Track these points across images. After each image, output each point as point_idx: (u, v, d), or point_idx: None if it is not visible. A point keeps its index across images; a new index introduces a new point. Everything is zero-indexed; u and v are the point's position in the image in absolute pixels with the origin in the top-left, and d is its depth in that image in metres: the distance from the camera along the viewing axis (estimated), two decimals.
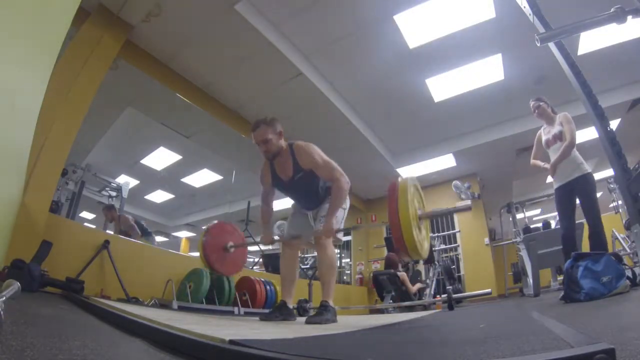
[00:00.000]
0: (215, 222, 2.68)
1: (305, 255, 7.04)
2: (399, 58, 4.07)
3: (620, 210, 4.65)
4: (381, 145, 5.82)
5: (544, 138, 2.95)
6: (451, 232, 6.74)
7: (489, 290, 4.05)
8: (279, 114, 4.67)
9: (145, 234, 4.77)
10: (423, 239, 1.76)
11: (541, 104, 2.92)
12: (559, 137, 2.80)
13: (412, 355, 0.80)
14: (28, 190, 2.19)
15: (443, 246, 6.34)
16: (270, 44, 3.53)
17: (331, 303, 1.97)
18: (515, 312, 2.14)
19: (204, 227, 2.58)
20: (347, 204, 2.33)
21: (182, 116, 4.79)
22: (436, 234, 6.43)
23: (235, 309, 2.99)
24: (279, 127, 2.15)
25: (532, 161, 3.07)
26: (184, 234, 10.77)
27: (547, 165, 2.88)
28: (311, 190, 2.20)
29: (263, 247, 5.26)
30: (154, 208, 8.84)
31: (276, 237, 2.55)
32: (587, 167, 2.71)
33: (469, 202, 1.61)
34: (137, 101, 4.63)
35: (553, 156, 2.85)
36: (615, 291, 1.85)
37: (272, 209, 2.42)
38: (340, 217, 2.23)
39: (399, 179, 1.71)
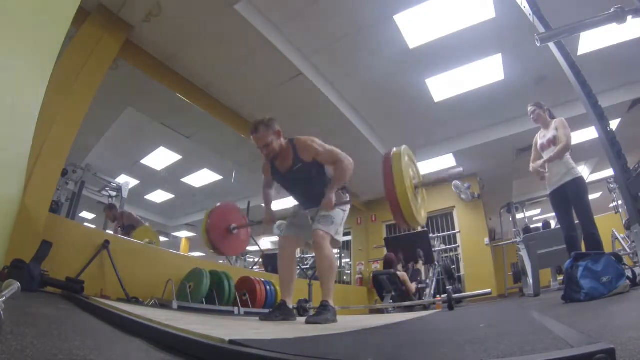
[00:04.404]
0: (218, 204, 2.72)
1: (305, 256, 7.04)
2: (399, 58, 4.07)
3: (620, 210, 4.65)
4: (381, 145, 5.82)
5: (539, 142, 3.02)
6: (451, 232, 6.74)
7: (489, 290, 4.05)
8: (278, 114, 4.67)
9: None
10: (420, 207, 1.77)
11: (537, 109, 2.99)
12: (553, 141, 2.86)
13: (412, 356, 0.80)
14: (28, 190, 2.19)
15: (443, 246, 6.35)
16: (270, 44, 3.53)
17: (331, 303, 1.96)
18: (515, 312, 2.14)
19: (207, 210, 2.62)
20: (347, 206, 2.33)
21: (182, 116, 4.79)
22: (436, 235, 6.43)
23: (235, 309, 2.99)
24: (277, 127, 2.17)
25: (531, 165, 3.04)
26: (184, 234, 10.77)
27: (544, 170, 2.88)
28: (309, 182, 2.21)
29: (263, 247, 5.26)
30: (154, 208, 8.83)
31: (278, 223, 2.60)
32: (578, 172, 2.75)
33: (460, 168, 1.69)
34: (137, 101, 4.63)
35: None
36: (615, 291, 1.85)
37: (272, 193, 2.48)
38: (340, 219, 2.22)
39: (394, 149, 1.71)
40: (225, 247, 2.56)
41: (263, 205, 2.47)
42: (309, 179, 2.20)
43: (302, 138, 2.20)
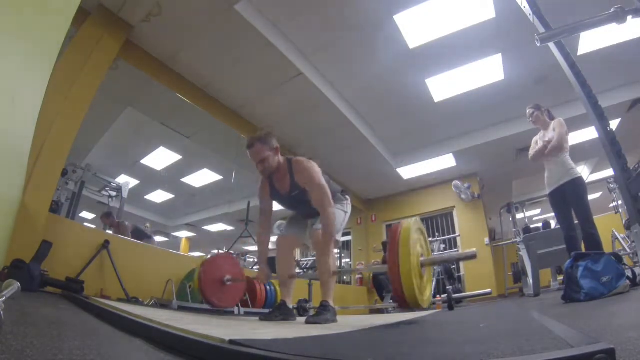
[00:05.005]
0: (215, 253, 2.65)
1: (304, 259, 7.04)
2: (399, 58, 4.07)
3: (620, 210, 4.64)
4: (381, 145, 5.82)
5: (539, 143, 3.01)
6: (451, 236, 6.73)
7: (489, 290, 4.05)
8: (278, 114, 4.76)
9: (145, 237, 4.77)
10: (424, 286, 1.70)
11: (536, 112, 3.01)
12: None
13: (412, 355, 0.80)
14: (28, 190, 2.19)
15: (443, 247, 6.34)
16: (270, 44, 3.52)
17: (331, 303, 1.96)
18: (515, 312, 2.14)
19: (206, 255, 2.54)
20: (348, 207, 2.33)
21: (182, 116, 4.78)
22: (436, 238, 6.41)
23: (235, 309, 2.99)
24: (274, 143, 2.09)
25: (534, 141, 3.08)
26: (184, 234, 10.78)
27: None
28: (309, 206, 2.15)
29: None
30: (154, 208, 8.83)
31: (278, 223, 2.52)
32: (577, 172, 2.76)
33: (474, 250, 1.62)
34: (137, 101, 4.63)
35: (546, 162, 2.92)
36: (615, 291, 1.85)
37: (270, 236, 2.34)
38: (341, 220, 2.22)
39: (402, 223, 1.62)
40: (217, 298, 2.46)
41: (257, 251, 2.32)
42: (307, 203, 2.12)
43: (302, 161, 2.10)
